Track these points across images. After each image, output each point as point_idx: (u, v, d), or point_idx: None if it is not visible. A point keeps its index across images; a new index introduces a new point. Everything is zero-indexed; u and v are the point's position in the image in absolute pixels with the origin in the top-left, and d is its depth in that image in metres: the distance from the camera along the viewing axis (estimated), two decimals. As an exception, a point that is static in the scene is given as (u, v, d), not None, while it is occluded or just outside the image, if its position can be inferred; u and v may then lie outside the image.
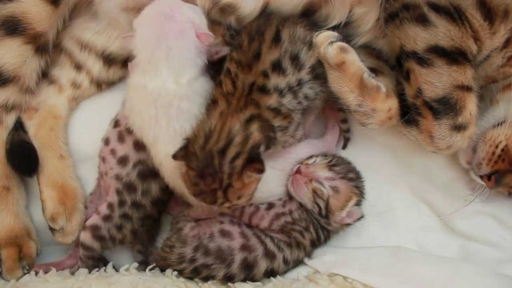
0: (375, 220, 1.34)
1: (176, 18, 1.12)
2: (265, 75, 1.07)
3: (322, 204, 1.18)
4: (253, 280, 1.18)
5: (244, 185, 1.03)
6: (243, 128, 1.02)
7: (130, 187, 1.21)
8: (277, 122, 1.09)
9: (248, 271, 1.17)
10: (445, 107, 1.09)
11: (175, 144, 1.08)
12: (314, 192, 1.19)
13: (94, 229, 1.22)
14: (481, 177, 1.21)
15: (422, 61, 1.07)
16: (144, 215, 1.24)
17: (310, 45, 1.12)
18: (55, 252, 1.33)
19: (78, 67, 1.36)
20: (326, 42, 1.10)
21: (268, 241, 1.19)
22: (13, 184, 1.27)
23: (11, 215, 1.25)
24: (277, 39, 1.10)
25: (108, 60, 1.36)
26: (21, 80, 1.24)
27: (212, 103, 1.10)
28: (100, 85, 1.38)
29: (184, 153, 1.05)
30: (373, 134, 1.35)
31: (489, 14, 1.06)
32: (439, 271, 1.19)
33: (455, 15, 1.06)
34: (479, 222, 1.32)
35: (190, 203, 1.23)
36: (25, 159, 1.27)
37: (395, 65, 1.20)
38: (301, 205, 1.22)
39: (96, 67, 1.36)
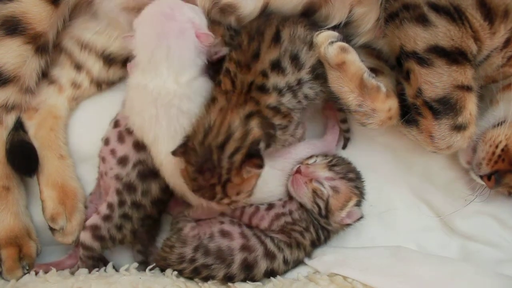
0: (375, 220, 1.34)
1: (176, 17, 1.12)
2: (264, 74, 1.07)
3: (322, 204, 1.18)
4: (253, 280, 1.18)
5: (243, 181, 1.02)
6: (242, 124, 1.02)
7: (130, 187, 1.21)
8: (277, 121, 1.09)
9: (248, 271, 1.17)
10: (445, 107, 1.09)
11: (176, 143, 1.08)
12: (314, 192, 1.19)
13: (94, 229, 1.22)
14: (481, 177, 1.21)
15: (422, 61, 1.07)
16: (144, 215, 1.24)
17: (311, 45, 1.12)
18: (55, 252, 1.33)
19: (78, 67, 1.36)
20: (327, 42, 1.10)
21: (268, 242, 1.19)
22: (13, 184, 1.27)
23: (11, 215, 1.25)
24: (277, 39, 1.10)
25: (108, 60, 1.36)
26: (21, 80, 1.24)
27: (211, 101, 1.10)
28: (100, 85, 1.38)
29: (183, 150, 1.05)
30: (373, 134, 1.35)
31: (489, 14, 1.06)
32: (439, 271, 1.19)
33: (455, 15, 1.06)
34: (479, 222, 1.32)
35: (190, 203, 1.23)
36: (25, 159, 1.27)
37: (395, 65, 1.20)
38: (301, 206, 1.22)
39: (96, 67, 1.36)
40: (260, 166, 1.01)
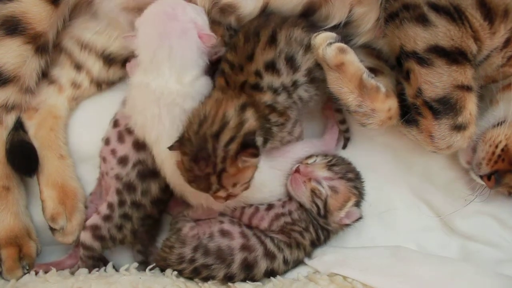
0: (375, 220, 1.34)
1: (178, 17, 1.12)
2: (257, 74, 1.08)
3: (320, 204, 1.18)
4: (253, 280, 1.18)
5: (239, 171, 1.02)
6: (237, 113, 1.02)
7: (129, 187, 1.21)
8: (273, 118, 1.09)
9: (248, 271, 1.17)
10: (445, 107, 1.09)
11: (177, 143, 1.08)
12: (312, 191, 1.19)
13: (94, 229, 1.23)
14: (481, 177, 1.21)
15: (422, 61, 1.07)
16: (144, 215, 1.24)
17: (307, 48, 1.12)
18: (55, 252, 1.33)
19: (78, 67, 1.36)
20: (325, 43, 1.10)
21: (268, 241, 1.19)
22: (13, 184, 1.27)
23: (11, 215, 1.25)
24: (272, 41, 1.10)
25: (108, 60, 1.36)
26: (21, 80, 1.24)
27: (208, 96, 1.12)
28: (100, 85, 1.38)
29: (179, 142, 1.04)
30: (373, 134, 1.35)
31: (489, 14, 1.06)
32: (439, 271, 1.19)
33: (455, 15, 1.06)
34: (479, 222, 1.32)
35: (190, 204, 1.23)
36: (25, 159, 1.27)
37: (395, 65, 1.20)
38: (300, 206, 1.22)
39: (96, 67, 1.36)
40: (256, 155, 1.01)
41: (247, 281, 1.17)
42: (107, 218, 1.22)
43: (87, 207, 1.31)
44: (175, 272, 1.18)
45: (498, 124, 1.18)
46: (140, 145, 1.19)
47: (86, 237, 1.23)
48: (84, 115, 1.38)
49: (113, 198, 1.22)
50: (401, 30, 1.09)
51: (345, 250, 1.28)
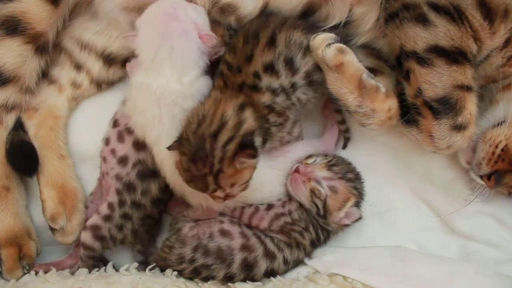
0: (375, 220, 1.34)
1: (179, 17, 1.13)
2: (256, 75, 1.08)
3: (319, 204, 1.18)
4: (253, 280, 1.18)
5: (237, 172, 1.01)
6: (236, 113, 1.02)
7: (129, 187, 1.21)
8: (272, 118, 1.10)
9: (248, 271, 1.17)
10: (445, 107, 1.08)
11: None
12: (312, 191, 1.19)
13: (95, 229, 1.23)
14: (481, 177, 1.21)
15: (422, 61, 1.07)
16: (144, 215, 1.24)
17: (306, 51, 1.12)
18: (55, 252, 1.33)
19: (78, 67, 1.36)
20: (324, 44, 1.10)
21: (268, 241, 1.19)
22: (13, 184, 1.27)
23: (11, 215, 1.25)
24: (271, 42, 1.10)
25: (108, 60, 1.36)
26: (21, 80, 1.24)
27: (207, 96, 1.12)
28: (100, 85, 1.38)
29: (178, 142, 1.04)
30: (373, 134, 1.35)
31: (489, 14, 1.06)
32: (439, 271, 1.19)
33: (455, 15, 1.06)
34: (479, 222, 1.32)
35: (190, 204, 1.23)
36: (25, 159, 1.27)
37: (395, 65, 1.20)
38: (300, 206, 1.22)
39: (96, 67, 1.36)
40: (254, 156, 1.01)
41: (247, 281, 1.17)
42: (107, 218, 1.22)
43: (87, 207, 1.31)
44: (175, 272, 1.18)
45: (498, 124, 1.18)
46: (140, 145, 1.19)
47: (86, 237, 1.23)
48: (84, 115, 1.38)
49: (113, 198, 1.22)
50: (401, 30, 1.09)
51: (345, 250, 1.28)
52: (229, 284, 1.16)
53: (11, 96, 1.24)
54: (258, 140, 1.05)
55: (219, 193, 1.04)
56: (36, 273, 1.20)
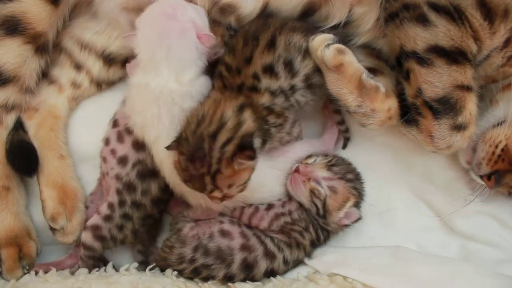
0: (375, 220, 1.34)
1: (178, 17, 1.13)
2: (255, 77, 1.08)
3: (319, 204, 1.18)
4: (253, 280, 1.18)
5: (235, 173, 1.01)
6: (235, 114, 1.02)
7: (129, 187, 1.21)
8: (271, 119, 1.10)
9: (248, 271, 1.17)
10: (445, 107, 1.08)
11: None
12: (311, 191, 1.19)
13: (95, 229, 1.23)
14: (481, 177, 1.21)
15: (422, 61, 1.07)
16: (144, 215, 1.24)
17: (306, 54, 1.12)
18: (55, 252, 1.33)
19: (78, 67, 1.36)
20: (323, 45, 1.10)
21: (268, 241, 1.19)
22: (13, 184, 1.27)
23: (11, 215, 1.25)
24: (271, 45, 1.10)
25: (108, 60, 1.36)
26: (21, 80, 1.24)
27: (206, 96, 1.12)
28: (100, 85, 1.38)
29: (177, 142, 1.04)
30: (373, 134, 1.35)
31: (489, 14, 1.06)
32: (439, 271, 1.19)
33: (455, 15, 1.06)
34: (479, 222, 1.32)
35: (190, 204, 1.23)
36: (25, 159, 1.27)
37: (395, 65, 1.20)
38: (300, 206, 1.22)
39: (96, 67, 1.36)
40: (252, 157, 1.00)
41: (247, 281, 1.17)
42: (107, 218, 1.22)
43: (87, 207, 1.31)
44: (175, 272, 1.18)
45: (498, 124, 1.18)
46: (139, 145, 1.19)
47: (86, 237, 1.23)
48: (84, 115, 1.38)
49: (113, 198, 1.22)
50: (401, 30, 1.09)
51: (345, 250, 1.28)
52: (229, 284, 1.16)
53: (11, 96, 1.24)
54: (257, 142, 1.05)
55: (217, 194, 1.04)
56: (36, 273, 1.20)
